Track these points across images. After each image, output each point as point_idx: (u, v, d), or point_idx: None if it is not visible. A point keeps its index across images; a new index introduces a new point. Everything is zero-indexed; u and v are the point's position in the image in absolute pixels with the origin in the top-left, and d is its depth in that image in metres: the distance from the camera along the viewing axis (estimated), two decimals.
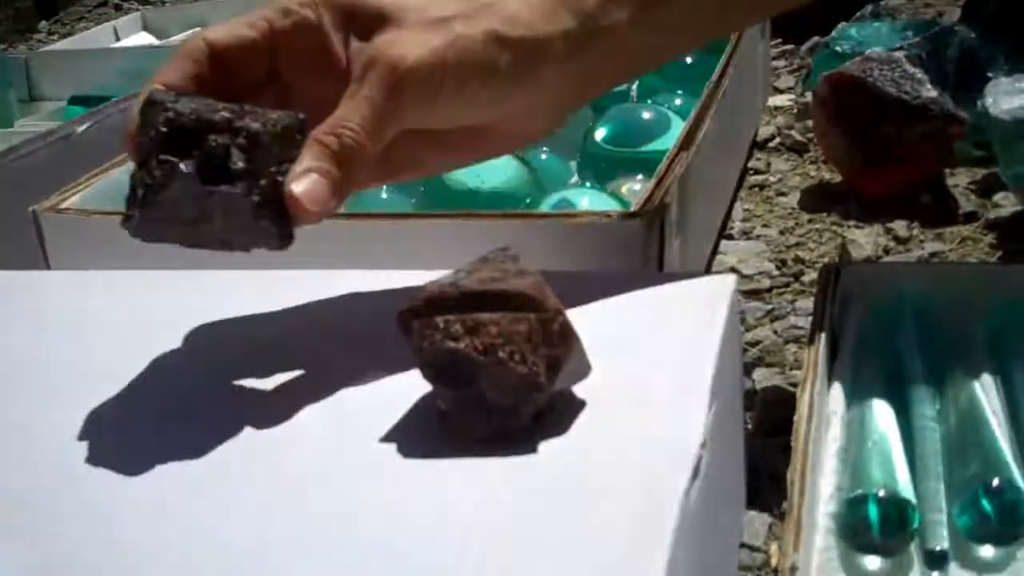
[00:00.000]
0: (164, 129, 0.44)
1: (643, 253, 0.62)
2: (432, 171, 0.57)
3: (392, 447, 0.42)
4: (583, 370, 0.43)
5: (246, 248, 0.46)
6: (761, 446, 0.67)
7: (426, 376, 0.42)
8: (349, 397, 0.46)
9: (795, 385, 0.73)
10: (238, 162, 0.44)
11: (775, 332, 0.80)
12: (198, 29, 1.72)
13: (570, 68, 0.52)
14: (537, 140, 0.57)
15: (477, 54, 0.49)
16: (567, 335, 0.41)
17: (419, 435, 0.42)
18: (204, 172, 0.44)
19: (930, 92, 0.96)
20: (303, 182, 0.45)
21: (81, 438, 0.45)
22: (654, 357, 0.46)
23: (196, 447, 0.43)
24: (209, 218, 0.44)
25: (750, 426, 0.70)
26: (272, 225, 0.45)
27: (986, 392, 0.54)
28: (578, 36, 0.52)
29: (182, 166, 0.44)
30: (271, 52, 0.50)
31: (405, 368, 0.45)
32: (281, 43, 0.50)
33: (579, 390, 0.43)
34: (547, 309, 0.41)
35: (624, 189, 0.80)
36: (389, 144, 0.49)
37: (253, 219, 0.45)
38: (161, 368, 0.49)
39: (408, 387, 0.44)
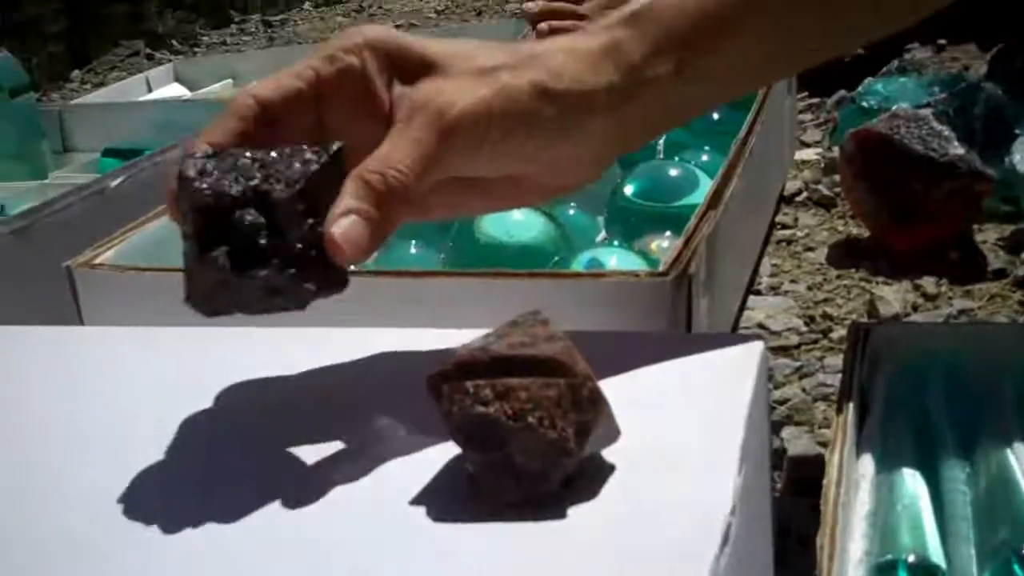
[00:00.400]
0: (193, 211, 0.45)
1: (671, 312, 0.62)
2: (466, 214, 0.58)
3: (421, 510, 0.42)
4: (612, 435, 0.43)
5: (305, 303, 0.46)
6: (790, 506, 0.67)
7: (456, 440, 0.42)
8: (378, 458, 0.46)
9: (824, 444, 0.73)
10: (263, 240, 0.44)
11: (803, 390, 0.80)
12: (229, 81, 1.75)
13: (612, 120, 0.52)
14: (572, 191, 0.57)
15: (523, 105, 0.50)
16: (596, 400, 0.41)
17: (448, 498, 0.42)
18: (237, 258, 0.44)
19: (957, 150, 0.96)
20: (343, 224, 0.45)
21: (108, 495, 0.45)
22: (683, 422, 0.46)
23: (225, 506, 0.43)
24: (257, 297, 0.45)
25: (779, 486, 0.69)
26: (319, 283, 0.45)
27: (1016, 455, 0.54)
28: (622, 89, 0.52)
29: (217, 255, 0.44)
30: (316, 100, 0.51)
31: (434, 430, 0.45)
32: (326, 90, 0.51)
33: (608, 454, 0.43)
34: (576, 374, 0.41)
35: (653, 246, 0.80)
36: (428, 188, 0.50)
37: (298, 286, 0.45)
38: (191, 427, 0.50)
39: (437, 449, 0.44)
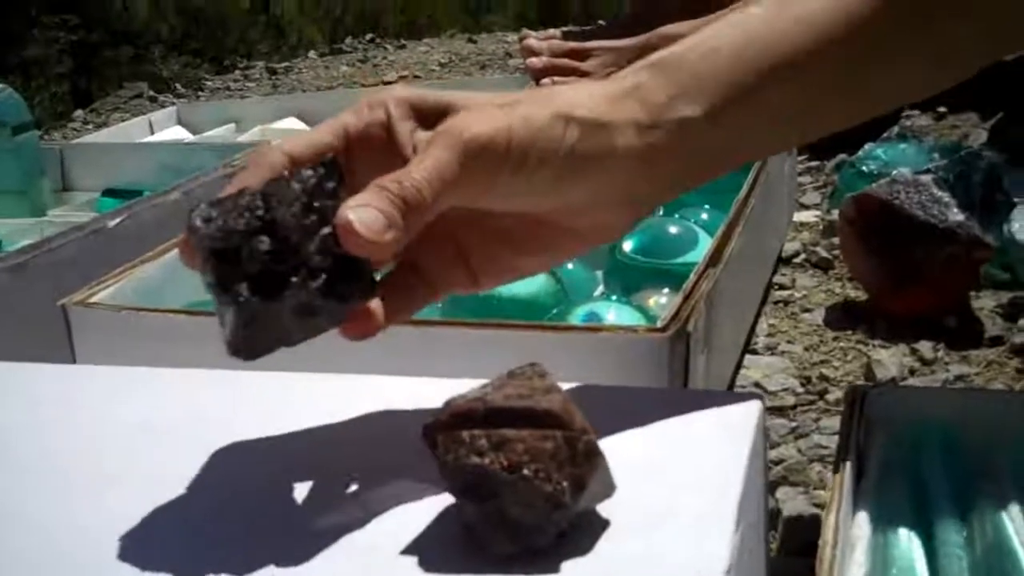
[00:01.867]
0: (208, 257, 0.45)
1: (669, 368, 0.62)
2: (507, 277, 0.55)
3: (413, 559, 0.42)
4: (608, 490, 0.42)
5: (342, 315, 0.46)
6: (784, 566, 0.66)
7: (450, 490, 0.42)
8: (371, 506, 0.45)
9: (819, 505, 0.73)
10: (282, 264, 0.44)
11: (799, 451, 0.80)
12: (232, 125, 1.75)
13: (637, 159, 0.51)
14: (603, 242, 0.56)
15: (543, 131, 0.49)
16: (592, 454, 0.41)
17: (441, 548, 0.42)
18: (261, 289, 0.44)
19: (957, 216, 0.96)
20: (356, 210, 0.45)
21: (93, 536, 0.44)
22: (679, 479, 0.46)
23: (215, 552, 0.43)
24: (292, 322, 0.45)
25: (774, 546, 0.69)
26: (346, 288, 0.45)
27: (1013, 522, 0.54)
28: (647, 126, 0.51)
29: (239, 289, 0.44)
30: (347, 153, 0.51)
31: (430, 479, 0.45)
32: (355, 143, 0.52)
33: (603, 509, 0.43)
34: (573, 428, 0.40)
35: (651, 301, 0.80)
36: (463, 246, 0.51)
37: (327, 298, 0.45)
38: (182, 470, 0.49)
39: (432, 499, 0.44)
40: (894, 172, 1.06)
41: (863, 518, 0.55)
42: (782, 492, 0.75)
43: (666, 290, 0.81)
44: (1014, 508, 0.55)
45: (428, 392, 0.52)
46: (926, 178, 1.01)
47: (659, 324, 0.63)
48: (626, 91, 0.52)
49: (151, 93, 2.74)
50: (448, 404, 0.42)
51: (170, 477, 0.49)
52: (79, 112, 2.66)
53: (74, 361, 0.70)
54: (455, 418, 0.41)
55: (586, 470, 0.41)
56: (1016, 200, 1.01)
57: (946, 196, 0.98)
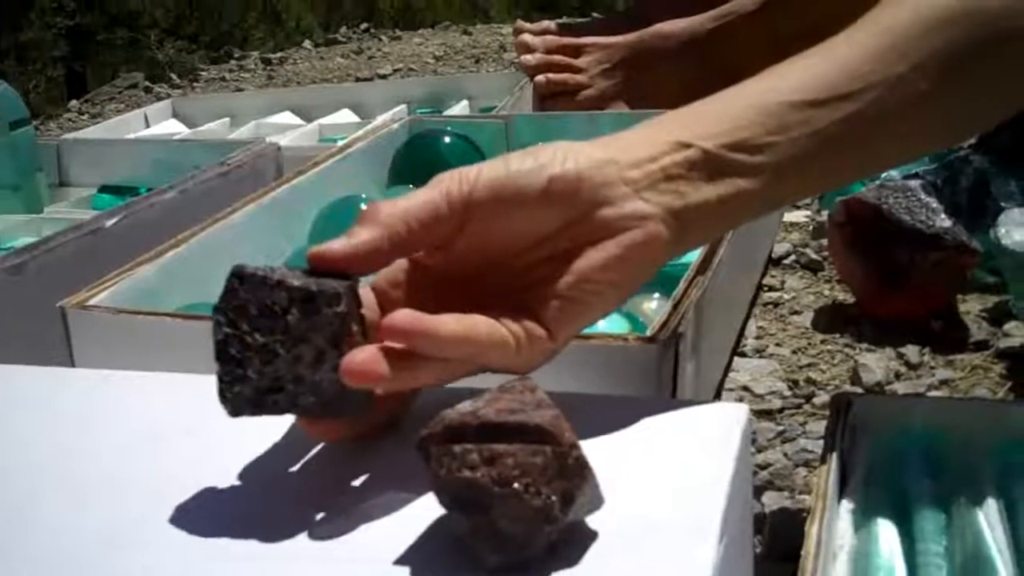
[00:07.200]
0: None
1: (658, 376, 0.63)
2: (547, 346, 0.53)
3: (405, 570, 0.43)
4: (596, 502, 0.43)
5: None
6: (770, 571, 0.67)
7: (442, 502, 0.43)
8: (363, 516, 0.46)
9: (804, 510, 0.74)
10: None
11: (785, 455, 0.81)
12: (226, 120, 1.76)
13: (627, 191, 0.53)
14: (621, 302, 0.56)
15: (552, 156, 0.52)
16: (582, 468, 0.42)
17: (431, 560, 0.43)
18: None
19: (944, 222, 0.98)
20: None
21: (89, 539, 0.45)
22: (666, 488, 0.47)
23: (207, 557, 0.44)
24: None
25: (759, 550, 0.70)
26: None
27: (992, 530, 0.55)
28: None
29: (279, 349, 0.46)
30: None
31: (421, 491, 0.46)
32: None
33: (591, 521, 0.44)
34: (563, 443, 0.42)
35: (644, 307, 0.81)
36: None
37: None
38: (176, 474, 0.50)
39: (423, 510, 0.45)
40: (883, 176, 1.07)
41: (846, 525, 0.57)
42: (768, 497, 0.76)
43: (656, 295, 0.82)
44: (993, 516, 0.56)
45: (421, 402, 0.53)
46: (914, 183, 1.02)
47: (649, 333, 0.64)
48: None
49: (146, 84, 2.74)
50: (441, 417, 0.43)
51: (163, 481, 0.49)
52: (74, 103, 2.66)
53: (72, 363, 0.71)
54: (448, 431, 0.42)
55: (575, 484, 0.42)
56: (1003, 205, 1.02)
57: (934, 202, 0.99)
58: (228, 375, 0.47)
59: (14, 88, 1.28)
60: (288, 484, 0.49)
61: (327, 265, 0.48)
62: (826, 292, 1.11)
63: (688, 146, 0.54)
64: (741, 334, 1.01)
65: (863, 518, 0.57)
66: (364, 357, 0.46)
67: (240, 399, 0.47)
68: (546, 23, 1.47)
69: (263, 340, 0.46)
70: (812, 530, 0.52)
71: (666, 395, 0.63)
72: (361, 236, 0.49)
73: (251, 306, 0.47)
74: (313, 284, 0.47)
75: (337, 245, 0.49)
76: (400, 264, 0.53)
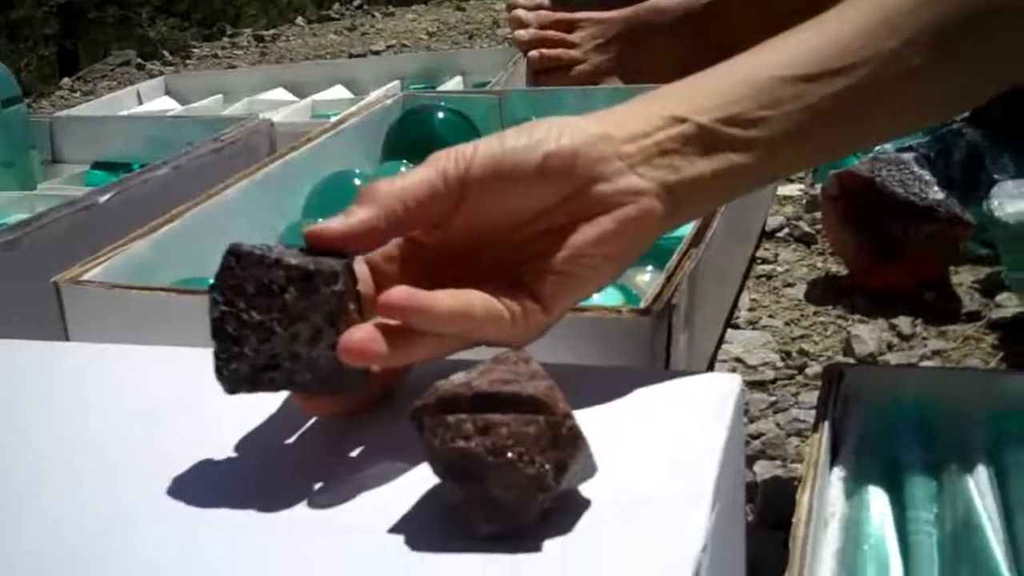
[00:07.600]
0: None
1: (651, 348, 0.63)
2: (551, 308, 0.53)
3: (399, 539, 0.43)
4: (589, 471, 0.44)
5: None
6: (762, 539, 0.68)
7: (436, 472, 0.43)
8: (357, 486, 0.47)
9: (796, 479, 0.74)
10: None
11: (777, 425, 0.82)
12: (219, 96, 1.75)
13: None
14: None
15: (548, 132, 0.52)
16: (575, 438, 0.42)
17: (426, 528, 0.43)
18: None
19: (937, 194, 0.98)
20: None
21: (85, 514, 0.46)
22: (659, 458, 0.47)
23: (203, 528, 0.44)
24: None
25: (751, 518, 0.70)
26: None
27: (983, 498, 0.55)
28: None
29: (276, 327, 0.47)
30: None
31: (416, 460, 0.46)
32: None
33: (584, 490, 0.44)
34: (557, 413, 0.42)
35: (637, 279, 0.81)
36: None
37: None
38: (172, 447, 0.50)
39: (418, 479, 0.45)
40: (876, 150, 1.07)
41: (837, 494, 0.57)
42: (760, 466, 0.76)
43: (650, 267, 0.82)
44: (984, 484, 0.56)
45: (416, 373, 0.53)
46: (907, 156, 1.02)
47: (642, 305, 0.64)
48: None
49: (139, 61, 2.73)
50: (435, 388, 0.43)
51: (160, 455, 0.50)
52: (66, 80, 2.65)
53: (67, 338, 0.71)
54: (442, 402, 0.43)
55: (568, 453, 0.42)
56: (996, 177, 1.03)
57: (927, 174, 0.99)
58: (225, 352, 0.47)
59: (6, 66, 1.28)
60: (285, 456, 0.50)
61: (324, 244, 0.49)
62: (819, 264, 1.12)
63: (683, 120, 0.54)
64: (734, 306, 1.01)
65: (854, 486, 0.58)
66: (362, 335, 0.46)
67: (237, 376, 0.47)
68: None
69: (260, 318, 0.47)
70: (803, 498, 0.52)
71: (659, 366, 0.64)
72: (358, 215, 0.49)
73: (248, 284, 0.47)
74: (311, 263, 0.47)
75: (334, 224, 0.49)
76: (395, 239, 0.53)
